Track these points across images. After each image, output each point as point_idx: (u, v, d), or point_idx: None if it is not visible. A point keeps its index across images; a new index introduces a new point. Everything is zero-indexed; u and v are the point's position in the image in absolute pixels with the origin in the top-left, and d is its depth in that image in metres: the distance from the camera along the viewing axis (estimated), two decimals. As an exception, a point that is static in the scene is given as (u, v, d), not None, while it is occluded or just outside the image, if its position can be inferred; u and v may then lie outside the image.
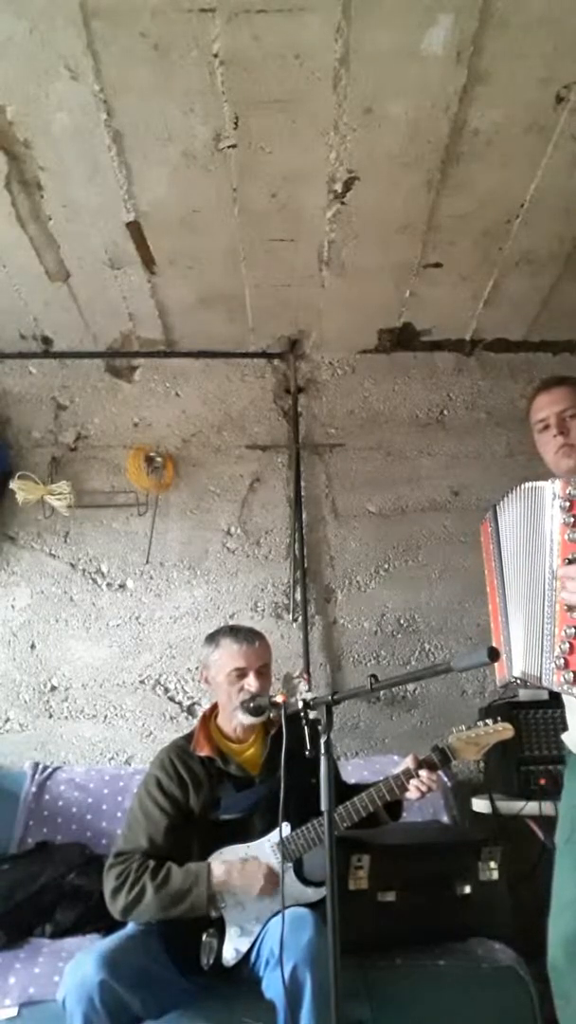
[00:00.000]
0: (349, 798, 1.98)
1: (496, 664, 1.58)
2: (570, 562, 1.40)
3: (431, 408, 3.29)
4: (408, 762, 2.00)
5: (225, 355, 3.26)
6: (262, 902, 1.90)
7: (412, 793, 1.96)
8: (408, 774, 1.97)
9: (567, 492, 1.42)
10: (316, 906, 1.87)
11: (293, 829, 1.95)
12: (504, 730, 2.01)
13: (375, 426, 3.26)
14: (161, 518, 3.13)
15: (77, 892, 2.29)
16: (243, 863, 1.92)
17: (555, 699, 2.53)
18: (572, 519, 1.41)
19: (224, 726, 2.18)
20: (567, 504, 1.42)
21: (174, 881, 1.88)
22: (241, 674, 2.11)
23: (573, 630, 1.39)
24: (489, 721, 2.04)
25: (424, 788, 1.95)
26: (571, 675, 1.37)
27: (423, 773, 1.95)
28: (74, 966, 1.75)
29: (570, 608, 1.40)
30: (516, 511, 1.59)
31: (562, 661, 1.39)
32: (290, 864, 1.95)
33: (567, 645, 1.39)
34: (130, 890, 1.88)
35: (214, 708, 2.23)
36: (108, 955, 1.73)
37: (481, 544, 1.73)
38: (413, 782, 1.95)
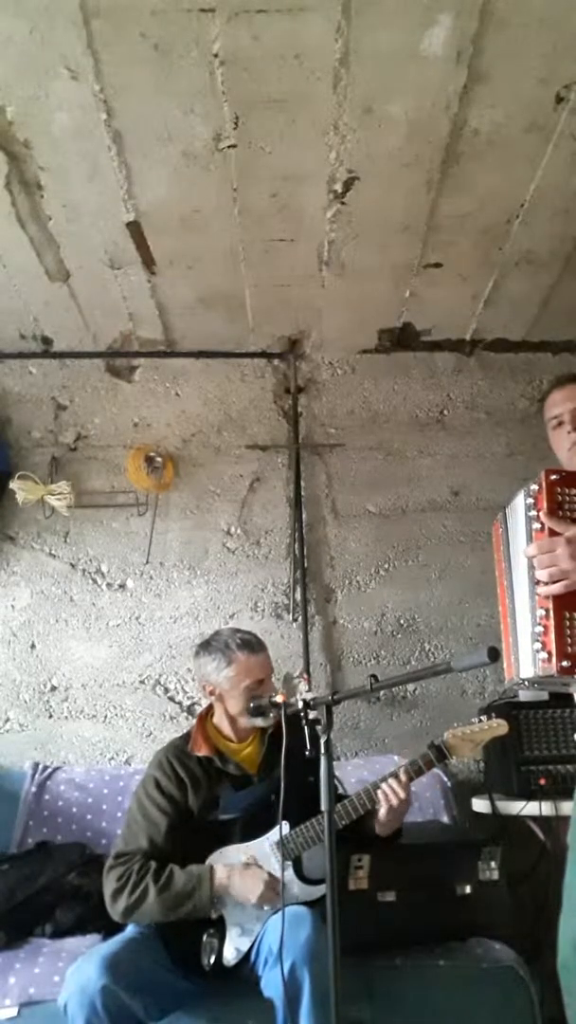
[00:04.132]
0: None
1: (504, 666, 1.59)
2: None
3: (431, 408, 3.29)
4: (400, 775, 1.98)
5: (225, 355, 3.26)
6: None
7: (381, 804, 1.94)
8: (375, 786, 1.95)
9: (532, 489, 1.47)
10: (315, 904, 1.87)
11: (292, 828, 1.95)
12: (499, 726, 2.01)
13: (375, 426, 3.26)
14: (161, 518, 3.13)
15: (77, 892, 2.29)
16: (244, 867, 1.92)
17: (555, 699, 2.54)
18: (535, 513, 1.45)
19: (221, 726, 2.18)
20: (532, 500, 1.46)
21: (176, 883, 1.88)
22: (260, 684, 2.12)
23: (543, 611, 1.40)
24: (484, 717, 2.04)
25: (392, 798, 1.92)
26: (546, 655, 1.38)
27: (390, 782, 1.94)
28: (75, 971, 1.74)
29: (545, 587, 1.41)
30: (513, 514, 1.61)
31: (539, 644, 1.40)
32: (289, 863, 1.95)
33: (541, 627, 1.40)
34: (132, 892, 1.88)
35: (210, 708, 2.24)
36: (110, 959, 1.73)
37: (492, 545, 1.73)
38: (380, 790, 1.94)
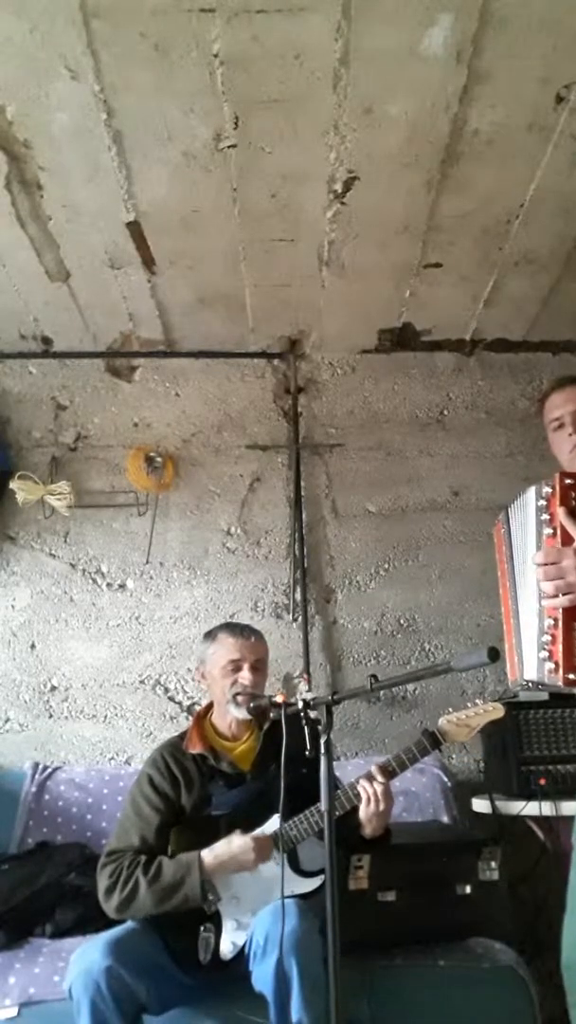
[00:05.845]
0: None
1: (507, 667, 1.59)
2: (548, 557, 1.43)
3: (431, 408, 3.29)
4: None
5: (225, 355, 3.26)
6: (257, 895, 1.90)
7: (361, 799, 1.93)
8: (352, 786, 1.96)
9: (543, 491, 1.45)
10: (312, 896, 1.88)
11: (285, 821, 1.95)
12: (494, 710, 1.99)
13: (375, 426, 3.26)
14: (161, 518, 3.13)
15: (77, 892, 2.29)
16: (228, 842, 1.91)
17: (555, 699, 2.54)
18: (548, 516, 1.44)
19: (218, 723, 2.19)
20: (544, 503, 1.45)
21: (166, 874, 1.88)
22: (236, 667, 2.13)
23: (552, 621, 1.40)
24: (479, 701, 2.03)
25: (369, 791, 1.92)
26: (552, 665, 1.38)
27: (372, 782, 1.93)
28: (80, 954, 1.77)
29: (550, 599, 1.41)
30: (519, 514, 1.60)
31: (546, 653, 1.40)
32: (284, 855, 1.95)
33: (549, 636, 1.40)
34: (123, 887, 1.89)
35: (209, 706, 2.25)
36: (114, 942, 1.75)
37: (494, 546, 1.73)
38: (360, 785, 1.94)
